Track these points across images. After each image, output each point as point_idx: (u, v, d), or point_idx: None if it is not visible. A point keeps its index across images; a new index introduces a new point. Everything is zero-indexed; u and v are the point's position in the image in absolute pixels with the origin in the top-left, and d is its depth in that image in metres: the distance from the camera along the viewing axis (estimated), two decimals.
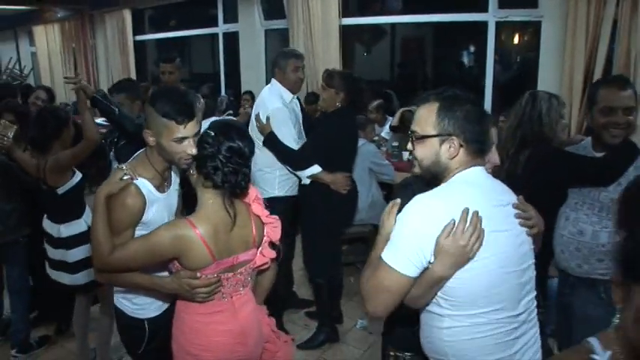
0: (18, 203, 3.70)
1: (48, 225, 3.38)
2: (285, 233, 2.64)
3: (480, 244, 1.57)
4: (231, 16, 7.81)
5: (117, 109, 3.43)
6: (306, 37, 6.23)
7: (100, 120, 4.34)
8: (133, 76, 8.81)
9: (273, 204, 3.72)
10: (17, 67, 11.69)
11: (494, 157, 1.97)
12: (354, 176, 3.83)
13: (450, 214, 1.58)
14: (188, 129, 1.96)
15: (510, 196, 1.75)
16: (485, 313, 1.64)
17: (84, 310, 3.63)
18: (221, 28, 8.04)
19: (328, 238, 3.79)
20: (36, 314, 4.27)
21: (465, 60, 7.50)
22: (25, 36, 12.44)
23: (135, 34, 9.36)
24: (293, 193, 3.88)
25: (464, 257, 1.57)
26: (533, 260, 1.75)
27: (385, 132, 5.85)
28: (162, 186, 2.15)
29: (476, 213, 1.57)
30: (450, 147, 1.67)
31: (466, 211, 1.57)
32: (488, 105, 5.54)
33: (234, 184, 1.97)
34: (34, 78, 11.67)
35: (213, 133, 1.96)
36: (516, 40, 6.58)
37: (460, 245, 1.55)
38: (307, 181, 3.76)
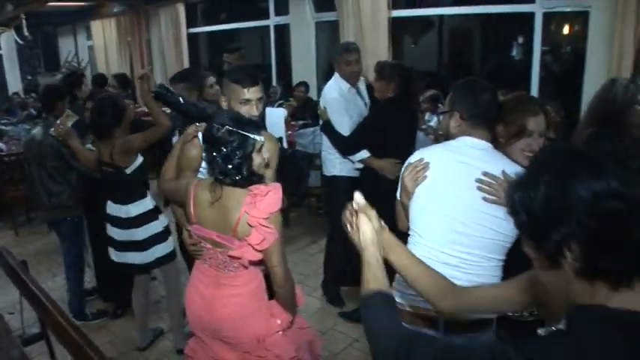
0: (65, 186, 4.06)
1: (114, 208, 3.60)
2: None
3: (414, 183, 2.12)
4: (282, 9, 7.99)
5: (181, 98, 3.72)
6: (356, 29, 6.37)
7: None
8: (187, 67, 9.05)
9: (333, 182, 4.01)
10: (75, 60, 12.19)
11: (535, 143, 2.14)
12: None
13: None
14: (251, 92, 2.45)
15: (493, 166, 2.03)
16: (420, 237, 2.11)
17: (144, 291, 3.89)
18: (272, 21, 8.23)
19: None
20: (95, 289, 4.62)
21: (514, 51, 7.53)
22: (82, 31, 12.92)
23: (188, 27, 9.63)
24: (354, 174, 4.12)
25: (405, 189, 2.16)
26: (499, 230, 1.98)
27: (434, 122, 6.00)
28: None
29: (425, 163, 2.12)
30: (453, 120, 2.15)
31: (421, 159, 2.14)
32: (534, 95, 5.59)
33: (220, 172, 2.18)
34: (91, 70, 12.10)
35: (219, 125, 2.15)
36: (566, 30, 6.59)
37: (404, 179, 2.16)
38: (359, 166, 3.99)
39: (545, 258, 0.98)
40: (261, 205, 2.12)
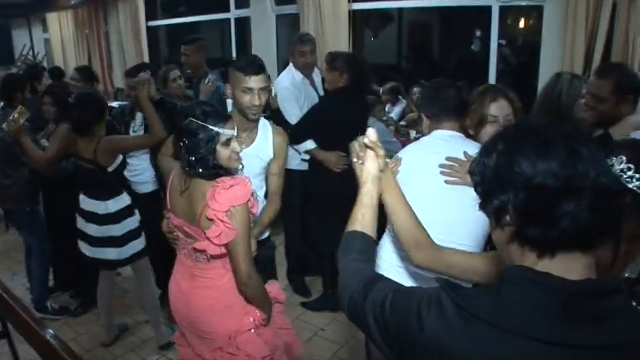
0: (15, 179, 4.06)
1: (90, 203, 3.58)
2: (296, 205, 2.98)
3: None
4: (242, 2, 7.95)
5: (178, 104, 3.74)
6: (316, 22, 6.38)
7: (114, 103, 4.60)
8: (147, 60, 8.96)
9: (287, 175, 4.03)
10: (31, 53, 11.89)
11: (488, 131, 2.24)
12: None
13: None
14: (253, 81, 2.43)
15: (458, 150, 2.19)
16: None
17: (110, 286, 3.87)
18: (233, 14, 8.18)
19: (332, 212, 4.03)
20: (56, 287, 4.58)
21: (473, 44, 7.64)
22: (38, 23, 12.59)
23: (147, 19, 9.47)
24: (303, 167, 4.14)
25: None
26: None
27: (395, 113, 6.08)
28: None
29: (398, 158, 2.27)
30: (423, 122, 2.38)
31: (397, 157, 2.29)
32: None
33: (185, 163, 2.21)
34: (47, 64, 11.84)
35: (190, 116, 2.18)
36: (522, 24, 6.73)
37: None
38: (306, 157, 4.03)
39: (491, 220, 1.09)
40: (220, 198, 2.10)
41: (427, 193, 2.14)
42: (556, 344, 0.93)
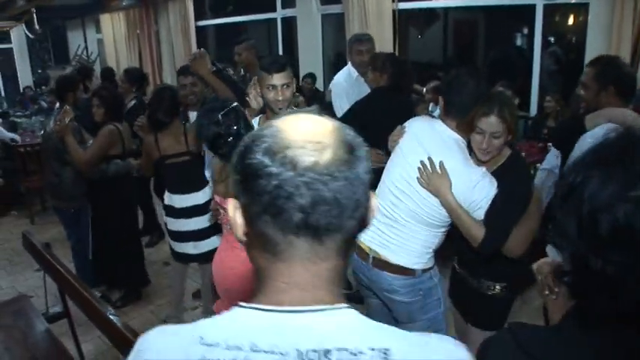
0: (60, 179, 4.16)
1: (189, 198, 3.58)
2: None
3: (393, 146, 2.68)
4: (288, 2, 8.14)
5: (234, 78, 3.93)
6: (361, 22, 6.49)
7: None
8: None
9: None
10: (85, 53, 12.33)
11: (485, 142, 2.29)
12: None
13: None
14: (276, 78, 2.59)
15: (440, 154, 2.34)
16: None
17: (183, 277, 3.99)
18: (279, 13, 8.37)
19: None
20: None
21: (519, 42, 7.62)
22: (92, 24, 13.06)
23: (196, 19, 9.73)
24: None
25: None
26: (424, 207, 2.37)
27: (438, 112, 6.13)
28: None
29: (402, 129, 2.66)
30: (441, 100, 2.49)
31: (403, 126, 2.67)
32: (535, 86, 5.72)
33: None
34: (100, 64, 12.24)
35: (223, 115, 2.52)
36: (571, 21, 6.69)
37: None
38: None
39: None
40: None
41: (404, 174, 2.43)
42: None
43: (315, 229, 0.77)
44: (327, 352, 0.75)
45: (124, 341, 2.10)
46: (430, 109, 6.14)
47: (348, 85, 4.29)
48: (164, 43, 10.58)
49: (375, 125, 3.89)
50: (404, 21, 7.04)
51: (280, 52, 8.55)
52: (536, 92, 5.80)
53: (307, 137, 0.79)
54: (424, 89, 5.93)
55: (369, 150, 0.86)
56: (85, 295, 2.52)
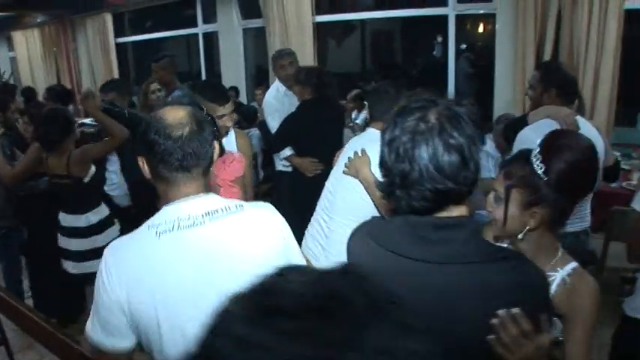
0: None
1: (72, 219, 3.63)
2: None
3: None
4: (209, 17, 8.16)
5: (125, 111, 3.88)
6: (282, 35, 6.61)
7: (87, 120, 4.70)
8: (116, 76, 9.05)
9: (278, 177, 4.51)
10: None
11: None
12: None
13: None
14: (226, 108, 2.88)
15: (364, 144, 2.59)
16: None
17: None
18: (200, 29, 8.38)
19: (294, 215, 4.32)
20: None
21: (435, 51, 7.93)
22: (3, 41, 12.60)
23: (116, 36, 9.60)
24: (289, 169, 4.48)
25: None
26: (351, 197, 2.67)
27: (361, 119, 6.33)
28: None
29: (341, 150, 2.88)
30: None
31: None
32: (451, 92, 6.00)
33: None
34: (14, 82, 11.82)
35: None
36: (482, 29, 7.04)
37: None
38: (286, 163, 4.31)
39: None
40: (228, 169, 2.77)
41: (337, 177, 2.72)
42: (405, 257, 1.28)
43: (186, 168, 1.49)
44: (213, 211, 1.51)
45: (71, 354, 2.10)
46: (353, 116, 6.35)
47: (277, 102, 4.50)
48: (83, 60, 10.35)
49: (306, 136, 4.10)
50: (323, 33, 7.22)
51: (202, 67, 8.57)
52: (452, 96, 6.06)
53: (176, 120, 1.50)
54: (347, 97, 6.13)
55: (210, 121, 1.71)
56: (23, 310, 2.48)
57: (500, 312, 1.21)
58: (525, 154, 1.63)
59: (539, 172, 1.54)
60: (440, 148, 1.19)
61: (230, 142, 3.20)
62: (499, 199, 1.61)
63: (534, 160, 1.56)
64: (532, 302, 1.25)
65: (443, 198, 1.24)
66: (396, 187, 1.26)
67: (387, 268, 1.29)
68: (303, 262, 1.76)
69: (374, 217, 1.48)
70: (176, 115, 1.51)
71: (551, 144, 1.58)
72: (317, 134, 4.00)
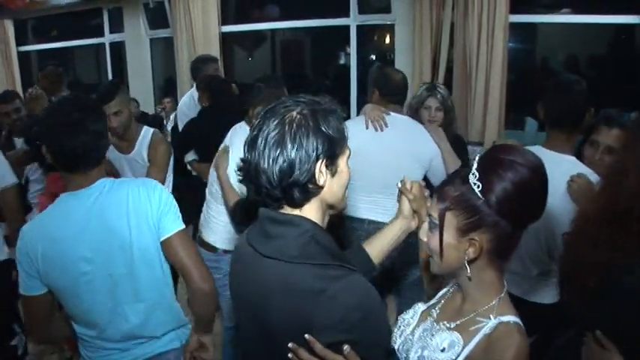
0: None
1: None
2: None
3: None
4: (117, 26, 8.04)
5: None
6: (189, 45, 6.63)
7: None
8: (19, 86, 8.76)
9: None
10: None
11: None
12: None
13: None
14: (106, 108, 2.95)
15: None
16: None
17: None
18: (107, 38, 8.23)
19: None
20: None
21: (342, 60, 8.09)
22: None
23: (18, 45, 9.24)
24: None
25: None
26: None
27: None
28: (121, 149, 3.51)
29: None
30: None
31: None
32: (353, 102, 6.18)
33: None
34: None
35: None
36: (388, 40, 7.28)
37: None
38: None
39: None
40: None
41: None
42: (251, 246, 1.44)
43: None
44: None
45: None
46: None
47: (188, 110, 4.68)
48: None
49: (203, 142, 4.16)
50: (231, 43, 7.27)
51: (110, 78, 8.41)
52: (355, 103, 6.25)
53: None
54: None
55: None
56: None
57: (307, 336, 1.26)
58: (462, 172, 1.42)
59: (477, 190, 1.34)
60: (274, 151, 1.32)
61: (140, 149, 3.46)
62: (434, 226, 1.42)
63: (472, 177, 1.36)
64: (330, 320, 1.28)
65: (269, 197, 1.39)
66: (244, 177, 1.41)
67: (244, 255, 1.48)
68: None
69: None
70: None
71: (490, 159, 1.38)
72: (211, 141, 4.04)
